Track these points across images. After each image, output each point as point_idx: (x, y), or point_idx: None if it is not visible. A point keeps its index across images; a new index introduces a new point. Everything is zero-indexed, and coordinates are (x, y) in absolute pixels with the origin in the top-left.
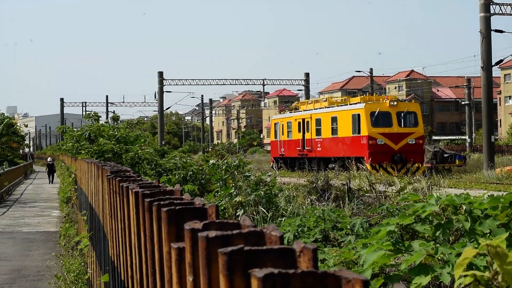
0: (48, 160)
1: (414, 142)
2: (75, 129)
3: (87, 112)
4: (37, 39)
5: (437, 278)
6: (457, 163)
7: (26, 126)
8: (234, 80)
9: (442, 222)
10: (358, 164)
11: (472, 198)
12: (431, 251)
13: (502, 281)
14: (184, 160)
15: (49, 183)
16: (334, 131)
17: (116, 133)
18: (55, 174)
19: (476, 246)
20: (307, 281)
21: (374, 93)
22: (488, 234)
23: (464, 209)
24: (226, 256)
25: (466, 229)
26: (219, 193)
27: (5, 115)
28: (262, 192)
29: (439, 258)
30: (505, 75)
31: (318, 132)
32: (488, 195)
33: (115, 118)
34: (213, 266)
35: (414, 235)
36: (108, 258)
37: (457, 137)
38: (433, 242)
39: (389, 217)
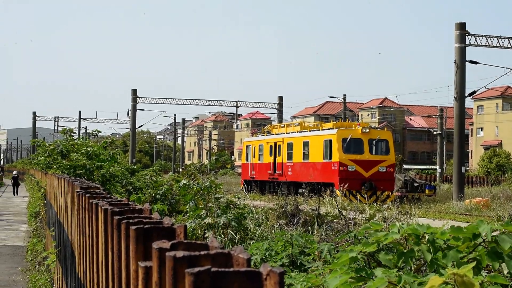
0: (13, 173)
1: (385, 170)
2: (48, 143)
3: (60, 127)
4: (10, 51)
5: None
6: (427, 192)
7: None
8: (207, 101)
9: (405, 251)
10: (329, 190)
11: (434, 228)
12: (394, 278)
13: None
14: (155, 179)
15: (14, 195)
16: (305, 156)
17: (89, 149)
18: (19, 187)
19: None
20: None
21: (347, 119)
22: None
23: (426, 238)
24: (193, 276)
25: (427, 261)
26: (189, 214)
27: None
28: (232, 215)
29: (403, 286)
30: (478, 106)
31: (290, 156)
32: (449, 226)
33: (95, 134)
34: (180, 286)
35: (381, 263)
36: (75, 275)
37: (428, 166)
38: (396, 270)
39: (356, 244)
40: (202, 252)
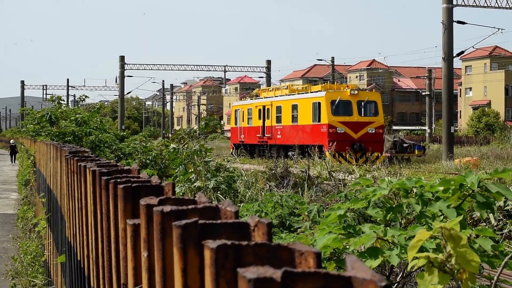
0: (11, 142)
1: (374, 131)
2: (36, 111)
3: (48, 96)
4: None
5: (388, 261)
6: (416, 153)
7: None
8: (195, 66)
9: (393, 206)
10: (319, 152)
11: (423, 182)
12: (381, 233)
13: (455, 263)
14: (144, 144)
15: (11, 162)
16: (294, 118)
17: (78, 116)
18: (16, 154)
19: (427, 228)
20: (260, 252)
21: (335, 82)
22: (442, 217)
23: (415, 192)
24: (180, 229)
25: (416, 212)
26: (179, 178)
27: None
28: (221, 178)
29: (390, 240)
30: (466, 66)
31: (279, 119)
32: (440, 179)
33: (82, 99)
34: (168, 240)
35: (371, 221)
36: (65, 239)
37: (417, 127)
38: (383, 225)
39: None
40: (190, 206)
